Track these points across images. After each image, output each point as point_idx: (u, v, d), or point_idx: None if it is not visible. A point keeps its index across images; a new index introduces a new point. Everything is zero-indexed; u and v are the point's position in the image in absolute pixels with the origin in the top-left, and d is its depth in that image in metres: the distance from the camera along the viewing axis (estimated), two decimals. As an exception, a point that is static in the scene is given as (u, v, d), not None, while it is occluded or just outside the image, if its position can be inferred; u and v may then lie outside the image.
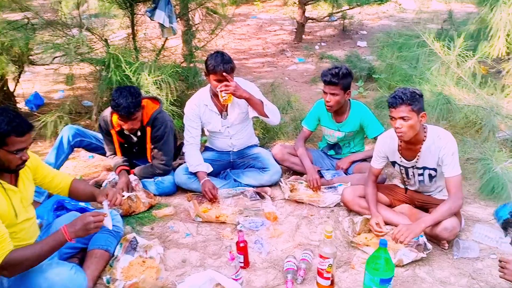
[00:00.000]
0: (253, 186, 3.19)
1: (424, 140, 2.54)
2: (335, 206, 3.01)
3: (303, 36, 9.16)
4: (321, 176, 3.25)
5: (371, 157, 3.10)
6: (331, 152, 3.43)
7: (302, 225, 2.82)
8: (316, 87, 6.10)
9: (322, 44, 8.87)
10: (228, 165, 3.37)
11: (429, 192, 2.77)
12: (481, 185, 3.04)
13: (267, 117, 3.08)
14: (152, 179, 3.15)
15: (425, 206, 2.76)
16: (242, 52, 8.18)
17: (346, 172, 3.22)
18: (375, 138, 3.20)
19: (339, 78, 2.99)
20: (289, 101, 4.18)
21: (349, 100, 3.20)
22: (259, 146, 3.52)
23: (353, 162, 3.26)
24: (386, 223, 2.73)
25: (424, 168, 2.62)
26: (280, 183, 3.21)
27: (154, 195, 3.10)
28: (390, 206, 2.88)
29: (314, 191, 3.10)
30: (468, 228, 2.73)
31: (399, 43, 4.46)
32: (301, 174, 3.38)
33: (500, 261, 2.08)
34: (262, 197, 3.06)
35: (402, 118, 2.41)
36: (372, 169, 2.79)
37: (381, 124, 3.23)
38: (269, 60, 7.85)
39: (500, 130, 3.68)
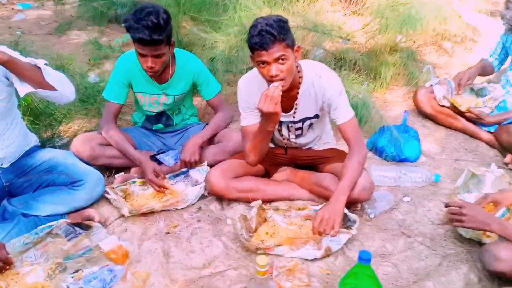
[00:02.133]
0: (62, 215, 2.11)
1: (300, 83, 2.03)
2: (198, 200, 2.28)
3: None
4: (159, 163, 2.41)
5: (218, 130, 2.48)
6: (158, 126, 2.58)
7: (171, 248, 2.00)
8: (68, 38, 4.87)
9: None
10: (1, 194, 2.14)
11: (307, 145, 2.33)
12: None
13: (53, 88, 1.98)
14: None
15: (312, 163, 2.32)
16: None
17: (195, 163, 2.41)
18: (213, 104, 2.56)
19: (162, 30, 2.12)
20: (61, 64, 2.99)
21: None
22: (41, 146, 2.37)
23: (202, 144, 2.44)
24: (273, 200, 2.21)
25: (304, 119, 2.14)
26: (106, 195, 2.23)
27: None
28: (268, 176, 2.35)
29: (159, 192, 2.29)
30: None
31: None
32: (125, 169, 2.45)
33: (447, 206, 1.83)
34: (86, 227, 2.04)
35: (279, 60, 1.81)
36: (248, 129, 2.11)
37: (215, 79, 2.56)
38: (-23, 13, 5.90)
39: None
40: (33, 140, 2.30)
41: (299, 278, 1.79)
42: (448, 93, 2.74)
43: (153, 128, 2.59)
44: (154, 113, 2.52)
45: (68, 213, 2.14)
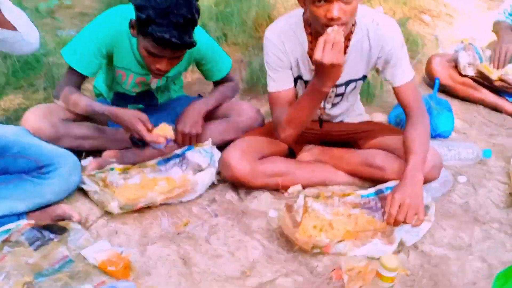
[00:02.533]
0: (19, 215, 1.50)
1: (352, 32, 1.61)
2: (209, 188, 1.76)
3: None
4: (143, 146, 1.84)
5: (224, 100, 1.99)
6: (138, 106, 1.98)
7: (190, 254, 1.47)
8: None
9: None
10: None
11: (338, 117, 1.91)
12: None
13: (14, 28, 1.41)
14: None
15: (348, 138, 1.91)
16: None
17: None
18: (218, 83, 2.03)
19: (194, 28, 1.61)
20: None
21: None
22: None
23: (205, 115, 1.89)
24: (305, 186, 1.79)
25: (349, 82, 1.72)
26: (82, 185, 1.63)
27: None
28: (293, 156, 1.90)
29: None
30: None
31: None
32: (94, 153, 1.85)
33: None
34: (59, 230, 1.46)
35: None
36: (281, 95, 1.65)
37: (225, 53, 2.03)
38: None
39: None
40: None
41: (378, 284, 1.37)
42: (475, 59, 2.46)
43: (129, 107, 1.99)
44: (134, 93, 1.94)
45: (28, 212, 1.52)
